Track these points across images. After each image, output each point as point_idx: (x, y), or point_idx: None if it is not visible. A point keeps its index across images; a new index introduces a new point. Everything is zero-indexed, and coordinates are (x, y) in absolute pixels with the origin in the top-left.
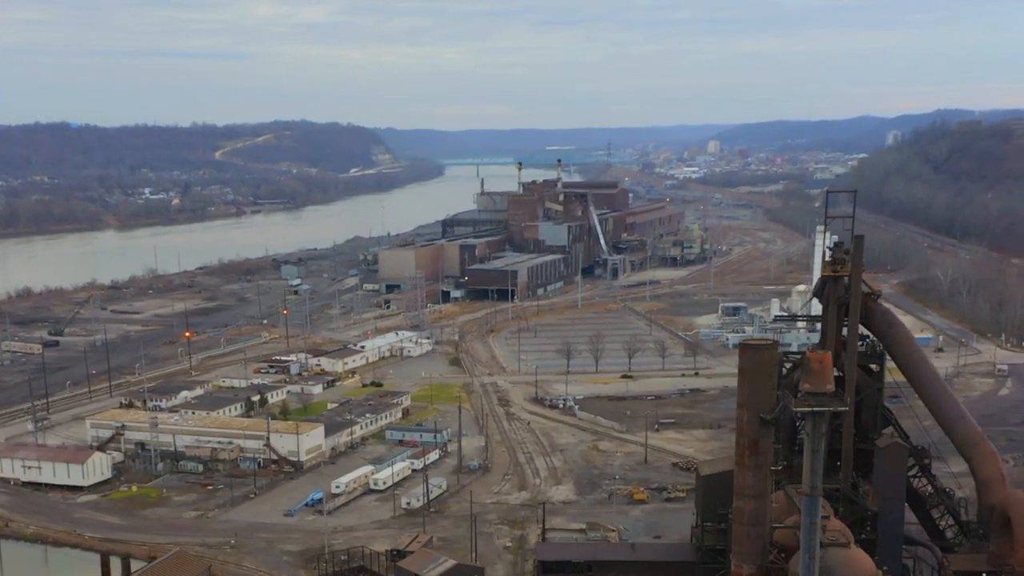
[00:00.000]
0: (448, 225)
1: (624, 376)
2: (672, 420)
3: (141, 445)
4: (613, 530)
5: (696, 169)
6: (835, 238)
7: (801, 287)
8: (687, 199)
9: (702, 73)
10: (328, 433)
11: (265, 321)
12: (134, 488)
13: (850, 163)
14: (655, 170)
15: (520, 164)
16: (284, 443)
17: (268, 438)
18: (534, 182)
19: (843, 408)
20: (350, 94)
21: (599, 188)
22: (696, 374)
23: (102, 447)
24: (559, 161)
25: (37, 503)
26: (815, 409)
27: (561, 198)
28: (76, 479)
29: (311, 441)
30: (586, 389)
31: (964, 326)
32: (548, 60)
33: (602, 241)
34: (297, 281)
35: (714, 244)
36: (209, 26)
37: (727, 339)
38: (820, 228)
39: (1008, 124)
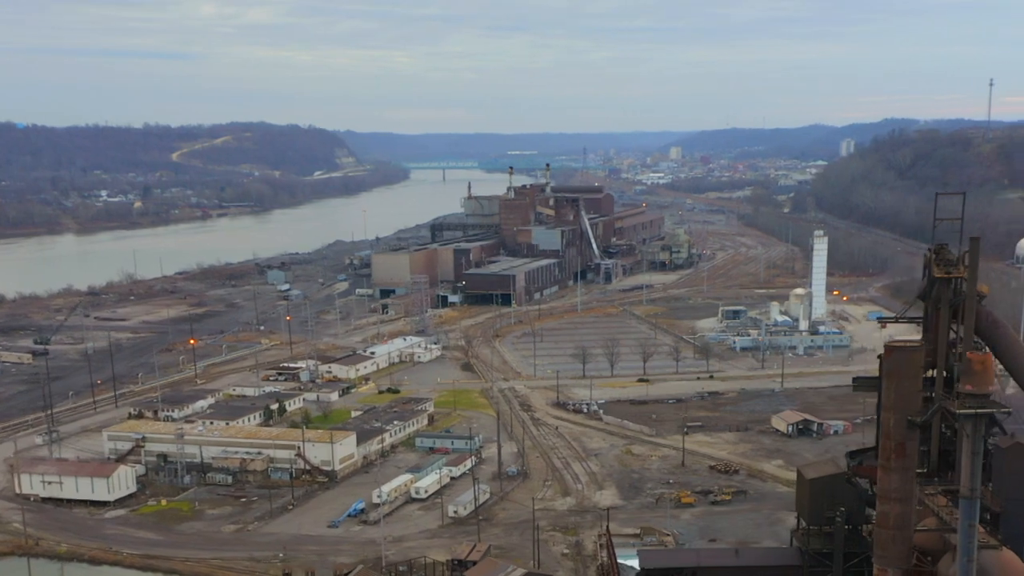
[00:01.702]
0: (437, 229)
1: (641, 380)
2: (699, 423)
3: (164, 457)
4: (668, 535)
5: (662, 175)
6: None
7: (799, 291)
8: (660, 204)
9: (656, 81)
10: (359, 441)
11: (262, 327)
12: (163, 502)
13: (808, 170)
14: (622, 175)
15: (511, 169)
16: (317, 452)
17: (300, 448)
18: (524, 186)
19: (1007, 410)
20: (305, 96)
21: (585, 193)
22: (711, 377)
23: (121, 460)
24: (548, 166)
25: (63, 519)
26: (979, 411)
27: (552, 202)
28: (101, 494)
29: (344, 450)
30: (605, 393)
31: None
32: (500, 65)
33: (594, 246)
34: (286, 286)
35: (699, 249)
36: (151, 25)
37: (734, 342)
38: (818, 233)
39: (965, 133)
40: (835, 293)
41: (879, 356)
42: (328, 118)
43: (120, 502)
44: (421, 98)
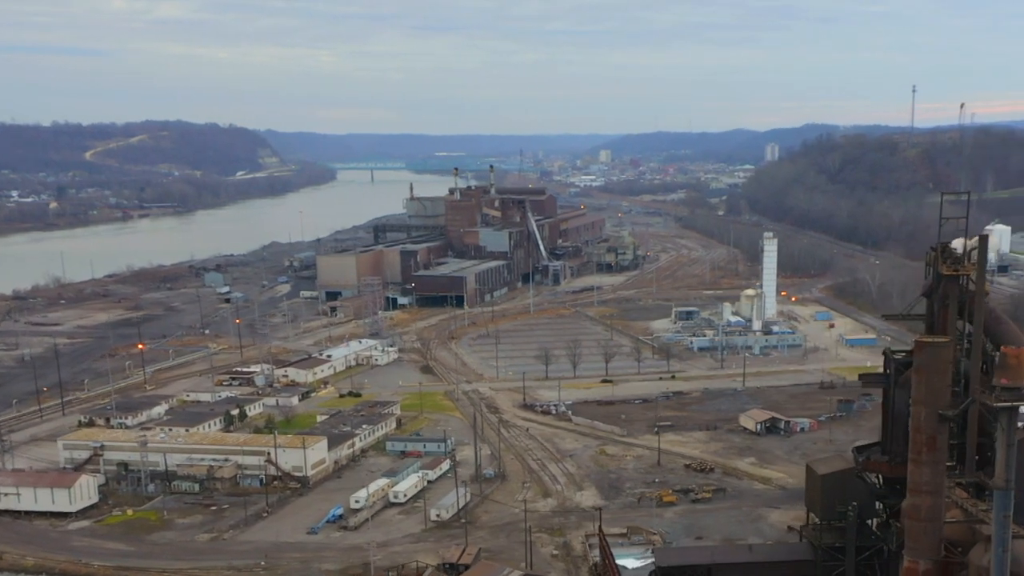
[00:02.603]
0: (380, 230)
1: (604, 381)
2: (669, 423)
3: (125, 466)
4: (655, 533)
5: (594, 177)
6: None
7: (750, 291)
8: (597, 207)
9: (581, 84)
10: (330, 446)
11: (207, 331)
12: (129, 512)
13: (737, 174)
14: (553, 178)
15: (456, 170)
16: (288, 458)
17: (270, 453)
18: (470, 187)
19: None
20: (224, 94)
21: (528, 195)
22: (673, 377)
23: (78, 469)
24: (492, 168)
25: (23, 532)
26: (1014, 404)
27: (496, 204)
28: (62, 505)
29: (316, 455)
30: (570, 394)
31: (901, 327)
32: (426, 65)
33: (542, 247)
34: (225, 289)
35: (643, 251)
36: (55, 20)
37: (691, 342)
38: (768, 235)
39: (891, 138)
40: (783, 294)
41: (884, 352)
42: (248, 117)
43: (82, 513)
44: (345, 98)
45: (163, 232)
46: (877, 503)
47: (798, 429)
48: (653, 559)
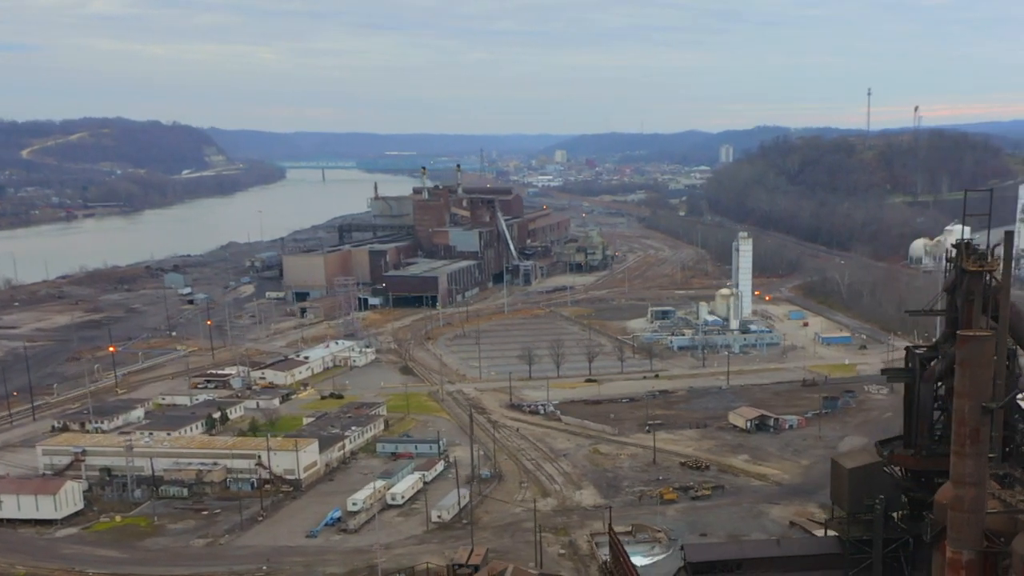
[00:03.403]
0: (345, 230)
1: (589, 380)
2: (659, 422)
3: (108, 471)
4: (660, 531)
5: (551, 177)
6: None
7: (724, 291)
8: (558, 207)
9: (530, 84)
10: (321, 449)
11: (173, 333)
12: (117, 518)
13: (693, 175)
14: (510, 178)
15: (424, 169)
16: (280, 461)
17: (260, 457)
18: (438, 187)
19: None
20: (164, 91)
21: (495, 194)
22: (656, 376)
23: (59, 475)
24: (459, 167)
25: (9, 540)
26: None
27: (465, 203)
28: (47, 512)
29: (307, 458)
30: (556, 394)
31: (873, 325)
32: (372, 64)
33: (512, 247)
34: (187, 290)
35: (612, 251)
36: None
37: (671, 341)
38: (743, 235)
39: (848, 140)
40: (756, 293)
41: (906, 348)
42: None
43: (68, 520)
44: (289, 95)
45: (111, 232)
46: (902, 496)
47: (787, 426)
48: (659, 556)
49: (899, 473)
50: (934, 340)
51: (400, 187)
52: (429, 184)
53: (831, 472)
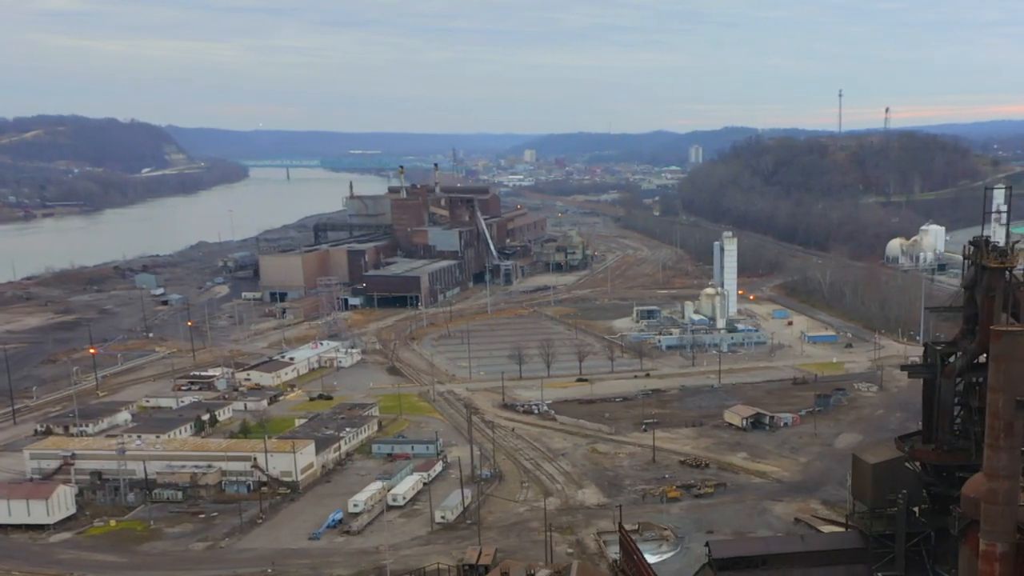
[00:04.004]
0: (320, 230)
1: (580, 380)
2: (655, 420)
3: (99, 475)
4: (666, 529)
5: (522, 177)
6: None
7: (709, 290)
8: (531, 207)
9: (493, 83)
10: (316, 450)
11: (150, 334)
12: (112, 522)
13: (664, 175)
14: (480, 177)
15: (402, 168)
16: (277, 463)
17: (256, 459)
18: (415, 186)
19: None
20: (120, 88)
21: (473, 193)
22: (647, 375)
23: (48, 479)
24: (436, 166)
25: (2, 546)
26: None
27: (443, 203)
28: (39, 517)
29: (304, 459)
30: (548, 394)
31: (856, 324)
32: (332, 61)
33: (492, 247)
34: (160, 291)
35: (591, 251)
36: None
37: (659, 341)
38: (727, 234)
39: (820, 141)
40: (740, 292)
41: (925, 344)
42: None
43: (61, 525)
44: (249, 93)
45: (72, 232)
46: (923, 490)
47: (782, 424)
48: (667, 554)
49: (920, 468)
50: (936, 336)
51: (368, 186)
52: (406, 183)
53: (852, 467)
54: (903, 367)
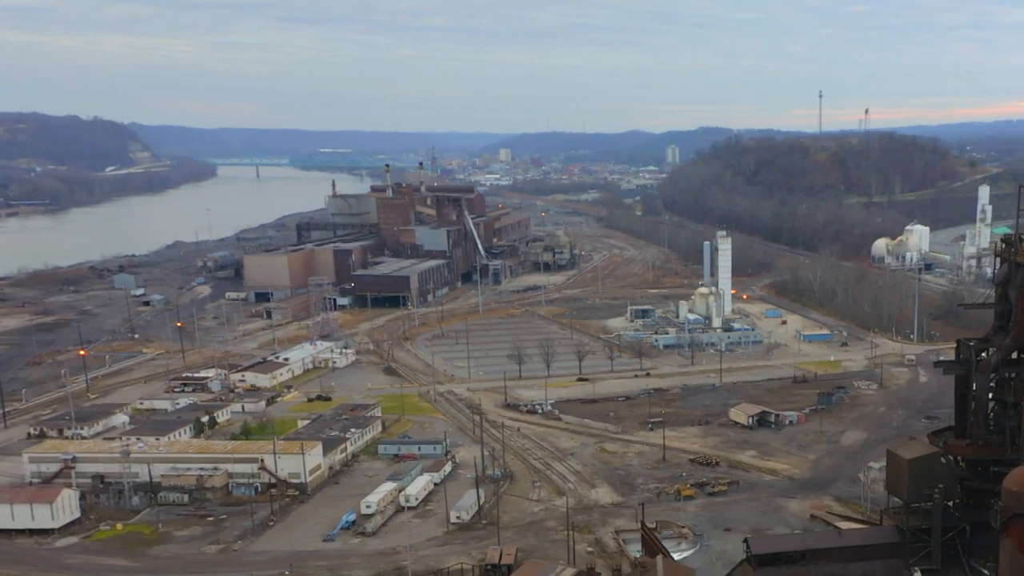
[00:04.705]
0: (303, 229)
1: (580, 379)
2: (660, 419)
3: (101, 478)
4: (684, 527)
5: (498, 176)
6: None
7: (703, 289)
8: (514, 206)
9: (465, 81)
10: (324, 451)
11: (136, 336)
12: (119, 526)
13: (642, 175)
14: (456, 176)
15: (387, 167)
16: (286, 464)
17: (264, 460)
18: (400, 184)
19: None
20: (79, 85)
21: (457, 192)
22: (647, 375)
23: (47, 483)
24: (421, 165)
25: (7, 551)
26: None
27: (429, 202)
28: (43, 521)
29: (311, 461)
30: (550, 393)
31: (849, 323)
32: (296, 59)
33: (480, 246)
34: (140, 291)
35: (578, 250)
36: None
37: (656, 340)
38: (721, 233)
39: (802, 142)
40: (733, 292)
41: (958, 341)
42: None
43: (66, 529)
44: (212, 90)
45: (40, 232)
46: (958, 485)
47: (787, 422)
48: (686, 552)
49: (955, 463)
50: (931, 335)
51: (342, 185)
52: (384, 182)
53: (887, 463)
54: (937, 363)
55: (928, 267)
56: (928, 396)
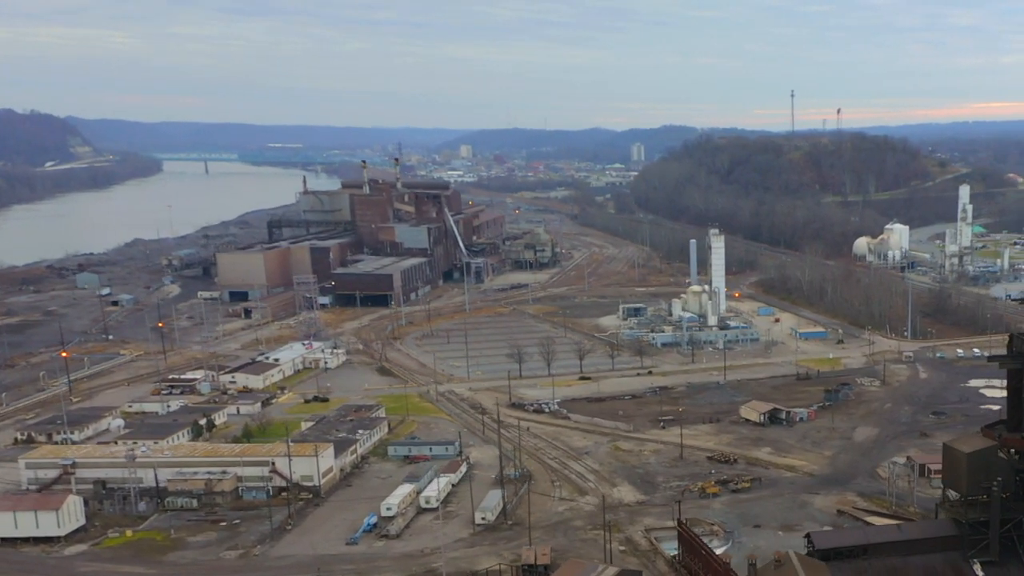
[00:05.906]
0: (275, 226)
1: (582, 378)
2: (672, 417)
3: (103, 484)
4: (713, 524)
5: (461, 173)
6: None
7: (695, 287)
8: (484, 203)
9: (419, 76)
10: (335, 453)
11: (109, 337)
12: (128, 533)
13: (608, 172)
14: (416, 173)
15: (364, 162)
16: (298, 467)
17: (275, 463)
18: (376, 181)
19: None
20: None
21: (432, 189)
22: (650, 373)
23: (45, 489)
24: (397, 160)
25: (15, 560)
26: None
27: (407, 198)
28: (49, 529)
29: (324, 463)
30: (555, 392)
31: (841, 320)
32: (243, 51)
33: (461, 244)
34: (106, 291)
35: (560, 248)
36: None
37: (654, 338)
38: (715, 231)
39: (775, 141)
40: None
41: (1010, 335)
42: (46, 102)
43: (72, 536)
44: (151, 83)
45: None
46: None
47: (798, 419)
48: (718, 549)
49: (1013, 455)
50: (926, 331)
51: (295, 181)
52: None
53: (943, 457)
54: (991, 358)
55: (912, 266)
56: (931, 392)
